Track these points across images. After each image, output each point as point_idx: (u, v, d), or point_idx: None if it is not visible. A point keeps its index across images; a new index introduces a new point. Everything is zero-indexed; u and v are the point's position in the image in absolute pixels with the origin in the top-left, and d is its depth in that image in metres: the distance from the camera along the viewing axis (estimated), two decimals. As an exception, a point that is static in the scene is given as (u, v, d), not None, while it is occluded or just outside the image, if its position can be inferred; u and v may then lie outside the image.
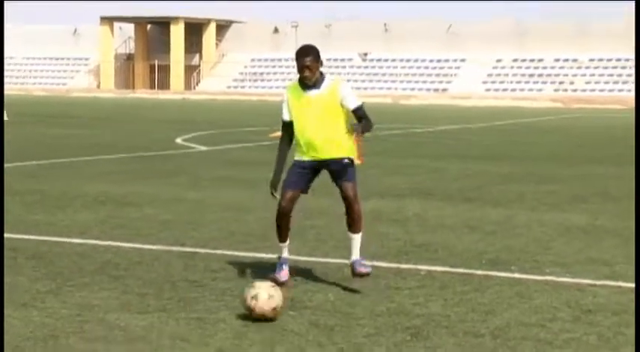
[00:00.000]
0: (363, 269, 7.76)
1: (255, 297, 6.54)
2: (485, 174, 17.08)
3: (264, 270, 8.18)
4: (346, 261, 8.02)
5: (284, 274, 7.83)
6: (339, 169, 7.78)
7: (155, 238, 9.84)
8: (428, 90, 72.22)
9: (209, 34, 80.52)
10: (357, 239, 7.87)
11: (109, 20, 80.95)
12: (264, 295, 6.56)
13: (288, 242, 7.95)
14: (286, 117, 7.87)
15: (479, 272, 8.40)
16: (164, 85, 79.34)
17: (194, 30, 79.67)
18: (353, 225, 7.85)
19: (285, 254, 7.95)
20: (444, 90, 72.05)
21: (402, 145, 24.87)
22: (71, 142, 23.58)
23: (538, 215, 12.00)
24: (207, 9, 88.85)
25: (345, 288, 7.66)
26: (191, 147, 22.68)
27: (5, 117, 33.25)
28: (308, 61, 7.67)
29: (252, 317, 6.56)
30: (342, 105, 7.75)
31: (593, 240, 10.15)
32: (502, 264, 8.74)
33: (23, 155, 19.10)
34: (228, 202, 12.76)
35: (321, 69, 7.78)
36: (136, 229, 10.37)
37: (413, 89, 72.39)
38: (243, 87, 76.93)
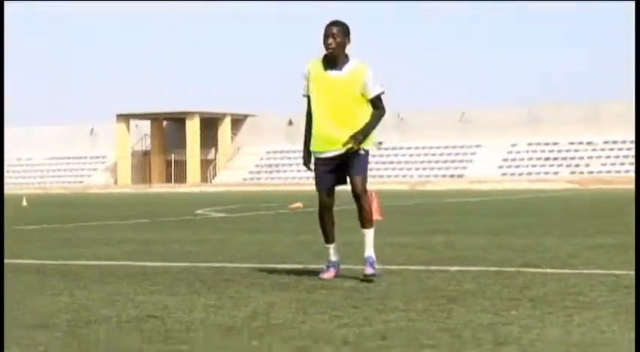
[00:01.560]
0: (368, 270, 7.37)
1: None
2: (510, 224, 17.02)
3: (290, 275, 8.09)
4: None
5: (328, 274, 7.58)
6: (353, 159, 7.51)
7: (184, 259, 9.80)
8: (444, 176, 72.35)
9: (224, 128, 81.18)
10: (368, 234, 7.61)
11: (125, 117, 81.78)
12: None
13: (334, 244, 7.70)
14: (305, 91, 7.59)
15: (510, 269, 8.30)
16: (181, 178, 79.72)
17: (209, 124, 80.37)
18: (363, 220, 7.60)
19: (333, 256, 7.67)
20: (460, 175, 72.14)
21: (430, 206, 24.83)
22: (90, 215, 23.61)
23: (566, 239, 11.95)
24: (222, 103, 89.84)
25: (375, 277, 7.56)
26: (211, 214, 22.68)
27: (24, 203, 33.55)
28: (335, 29, 7.36)
29: None
30: (363, 92, 7.43)
31: (619, 251, 10.07)
32: (533, 266, 8.63)
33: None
34: (252, 240, 12.71)
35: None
36: (162, 256, 10.31)
37: (429, 176, 72.52)
38: (259, 178, 77.25)
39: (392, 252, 10.15)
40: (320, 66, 7.52)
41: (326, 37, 7.39)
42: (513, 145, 74.09)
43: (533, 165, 71.98)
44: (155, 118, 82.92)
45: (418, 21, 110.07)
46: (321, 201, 7.69)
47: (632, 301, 6.12)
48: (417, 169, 74.11)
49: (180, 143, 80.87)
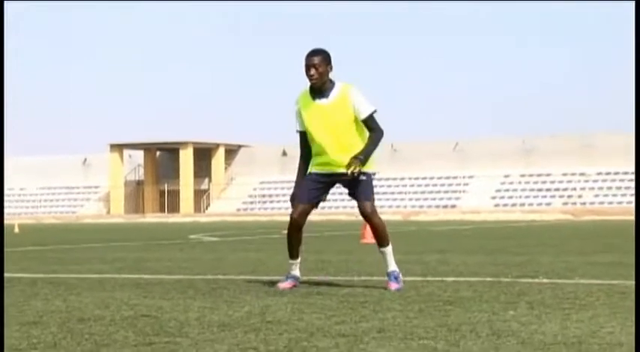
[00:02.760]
0: (392, 285, 7.29)
1: None
2: (504, 245, 16.98)
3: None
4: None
5: (286, 284, 7.48)
6: (355, 185, 7.42)
7: (177, 273, 9.73)
8: (437, 206, 72.29)
9: (218, 158, 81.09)
10: (386, 252, 7.59)
11: (118, 147, 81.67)
12: None
13: (299, 259, 7.62)
14: (299, 127, 7.51)
15: (506, 279, 8.26)
16: (174, 208, 79.54)
17: (203, 154, 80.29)
18: (378, 239, 7.64)
19: (295, 272, 7.58)
20: (453, 206, 72.10)
21: (425, 232, 24.77)
22: (83, 239, 23.51)
23: (562, 257, 11.90)
24: (216, 133, 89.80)
25: (374, 288, 7.52)
26: (204, 239, 22.59)
27: (16, 230, 33.47)
28: (316, 60, 7.25)
29: None
30: (356, 115, 7.33)
31: (616, 266, 10.04)
32: (529, 277, 8.58)
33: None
34: (245, 257, 12.65)
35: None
36: (155, 270, 10.24)
37: (422, 206, 72.48)
38: (252, 208, 77.12)
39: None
40: (308, 97, 7.45)
41: (307, 68, 7.30)
42: (506, 176, 74.09)
43: (527, 196, 71.95)
44: (148, 148, 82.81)
45: (411, 51, 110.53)
46: (292, 220, 7.55)
47: (630, 303, 6.08)
48: (411, 200, 74.05)
49: (174, 173, 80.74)
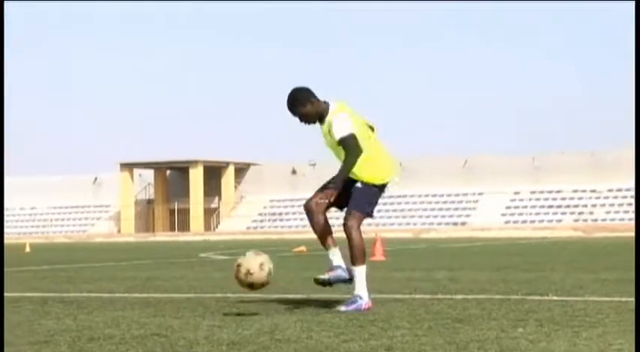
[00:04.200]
0: (342, 307, 7.07)
1: (249, 272, 6.65)
2: (514, 262, 16.96)
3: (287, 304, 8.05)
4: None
5: (330, 272, 7.32)
6: (351, 193, 7.44)
7: (188, 291, 9.76)
8: (447, 223, 72.22)
9: (228, 177, 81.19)
10: (358, 271, 7.27)
11: (128, 166, 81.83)
12: (255, 266, 6.71)
13: (333, 248, 7.39)
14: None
15: (515, 296, 8.26)
16: (184, 227, 79.62)
17: (213, 173, 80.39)
18: (352, 256, 7.36)
19: (336, 261, 7.34)
20: (464, 223, 72.03)
21: (434, 249, 24.76)
22: (93, 258, 23.56)
23: (572, 274, 11.89)
24: (226, 152, 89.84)
25: (383, 305, 7.52)
26: (214, 257, 22.61)
27: (27, 249, 33.55)
28: (296, 111, 7.51)
29: (254, 289, 6.75)
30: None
31: (626, 284, 10.03)
32: (539, 294, 8.58)
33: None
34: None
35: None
36: (165, 288, 10.26)
37: (432, 223, 72.42)
38: (262, 227, 77.16)
39: (397, 284, 10.12)
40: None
41: (299, 119, 7.54)
42: (516, 193, 73.99)
43: (537, 213, 71.82)
44: (158, 167, 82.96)
45: (420, 68, 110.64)
46: (304, 205, 7.59)
47: None
48: (421, 217, 74.01)
49: (184, 192, 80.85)
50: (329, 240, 7.48)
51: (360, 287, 7.25)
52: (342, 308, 7.12)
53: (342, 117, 7.45)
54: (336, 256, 7.42)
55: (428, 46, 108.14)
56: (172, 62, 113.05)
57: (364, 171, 7.49)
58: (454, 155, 78.61)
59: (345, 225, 7.40)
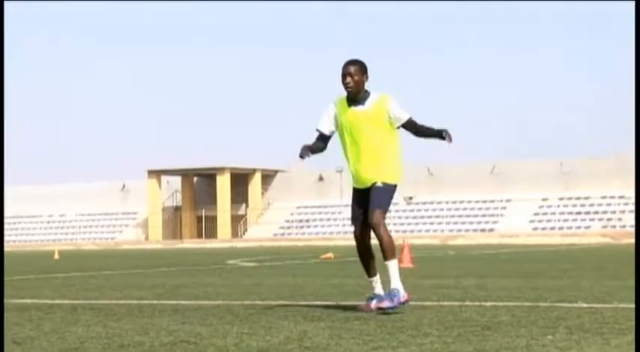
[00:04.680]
0: (383, 304, 7.24)
1: None
2: (543, 269, 16.89)
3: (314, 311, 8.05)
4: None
5: (366, 306, 7.52)
6: (371, 194, 7.50)
7: (216, 298, 9.78)
8: (475, 230, 72.01)
9: (255, 184, 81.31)
10: (390, 265, 7.48)
11: (156, 173, 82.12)
12: None
13: (376, 277, 7.65)
14: (322, 128, 7.63)
15: (545, 304, 8.23)
16: (212, 234, 79.79)
17: (240, 180, 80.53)
18: (383, 252, 7.52)
19: (377, 289, 7.60)
20: (491, 229, 71.79)
21: (462, 256, 24.69)
22: (122, 265, 23.65)
23: (601, 281, 11.83)
24: (253, 158, 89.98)
25: (412, 312, 7.51)
26: (242, 264, 22.64)
27: (56, 256, 33.76)
28: (352, 68, 7.46)
29: None
30: (391, 123, 7.51)
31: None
32: (568, 302, 8.54)
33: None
34: (283, 282, 12.66)
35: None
36: (194, 295, 10.29)
37: (460, 230, 72.22)
38: (289, 233, 77.19)
39: (426, 291, 10.11)
40: (344, 104, 7.63)
41: (344, 76, 7.51)
42: (544, 199, 73.66)
43: (565, 220, 71.49)
44: (186, 174, 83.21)
45: (447, 74, 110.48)
46: (355, 236, 7.78)
47: (669, 328, 6.04)
48: (448, 224, 73.80)
49: (211, 198, 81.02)
50: (373, 267, 7.73)
51: (396, 280, 7.40)
52: (386, 303, 7.22)
53: (398, 102, 7.58)
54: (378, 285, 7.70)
55: (452, 50, 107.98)
56: (201, 69, 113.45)
57: (386, 170, 7.57)
58: (482, 161, 78.37)
59: (373, 223, 7.49)
